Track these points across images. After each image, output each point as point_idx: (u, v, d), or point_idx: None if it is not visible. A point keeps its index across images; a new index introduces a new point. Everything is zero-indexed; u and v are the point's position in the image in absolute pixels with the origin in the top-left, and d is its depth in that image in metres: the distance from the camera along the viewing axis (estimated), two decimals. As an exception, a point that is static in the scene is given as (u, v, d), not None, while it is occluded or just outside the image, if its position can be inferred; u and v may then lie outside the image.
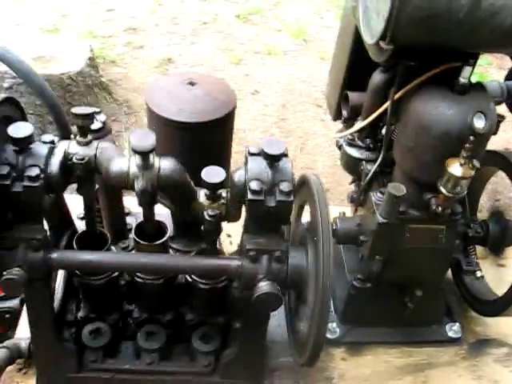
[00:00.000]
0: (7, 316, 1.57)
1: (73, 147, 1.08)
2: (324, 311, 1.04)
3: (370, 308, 1.54)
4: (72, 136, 1.14)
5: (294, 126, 3.11)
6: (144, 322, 1.36)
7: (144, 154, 1.02)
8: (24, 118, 1.14)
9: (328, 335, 1.54)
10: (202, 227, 1.12)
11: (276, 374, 1.47)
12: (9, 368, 1.39)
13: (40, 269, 1.09)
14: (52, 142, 1.10)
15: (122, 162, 1.06)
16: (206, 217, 1.09)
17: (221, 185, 1.08)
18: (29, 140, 1.05)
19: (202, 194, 1.11)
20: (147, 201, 1.09)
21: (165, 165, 1.06)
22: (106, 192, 1.42)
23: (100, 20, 3.89)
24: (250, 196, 1.05)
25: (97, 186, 1.25)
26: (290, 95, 3.36)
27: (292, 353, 1.27)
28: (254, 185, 1.06)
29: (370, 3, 1.18)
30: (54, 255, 1.10)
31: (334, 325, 1.56)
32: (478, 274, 1.50)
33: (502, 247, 1.52)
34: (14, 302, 1.57)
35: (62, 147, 1.09)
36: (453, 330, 1.60)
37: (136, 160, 1.04)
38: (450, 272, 1.64)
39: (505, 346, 1.61)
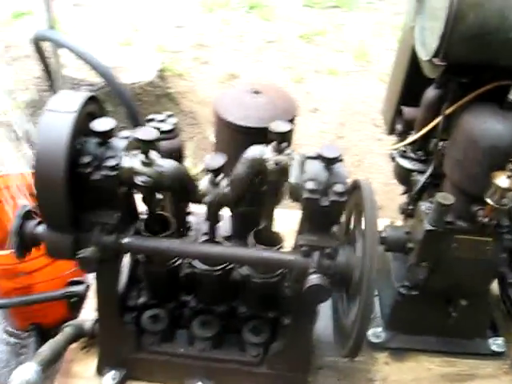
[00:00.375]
0: (74, 299, 1.70)
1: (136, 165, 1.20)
2: (368, 305, 1.11)
3: (415, 315, 1.58)
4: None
5: (351, 144, 3.20)
6: (199, 312, 1.46)
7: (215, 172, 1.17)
8: (104, 115, 1.27)
9: (373, 339, 1.60)
10: (265, 186, 1.22)
11: (321, 371, 1.54)
12: (73, 345, 1.52)
13: (111, 250, 1.21)
14: (127, 137, 1.22)
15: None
16: (270, 167, 1.18)
17: (288, 135, 1.19)
18: (109, 134, 1.17)
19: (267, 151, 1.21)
20: (214, 211, 1.23)
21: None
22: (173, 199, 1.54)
23: (170, 36, 4.10)
24: (305, 195, 1.14)
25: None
26: (349, 114, 3.45)
27: (337, 347, 1.34)
28: (310, 184, 1.14)
29: (426, 23, 1.27)
30: (125, 240, 1.22)
31: (380, 329, 1.61)
32: (523, 285, 1.53)
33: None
34: (79, 288, 1.71)
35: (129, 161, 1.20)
36: (496, 343, 1.61)
37: (208, 177, 1.19)
38: (497, 287, 1.68)
39: None
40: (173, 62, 3.72)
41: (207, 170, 1.17)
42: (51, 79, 1.77)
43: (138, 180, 1.18)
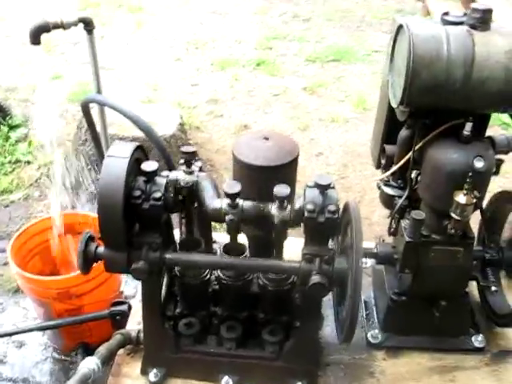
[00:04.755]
0: (118, 318, 2.00)
1: (181, 175, 1.55)
2: (355, 301, 1.40)
3: (406, 318, 1.86)
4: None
5: (354, 183, 3.53)
6: (226, 319, 1.77)
7: (233, 196, 1.49)
8: (148, 159, 1.62)
9: (372, 340, 1.88)
10: (273, 234, 1.54)
11: (328, 368, 1.82)
12: (120, 351, 1.81)
13: (157, 264, 1.53)
14: (168, 176, 1.58)
15: (218, 202, 1.53)
16: (276, 221, 1.50)
17: (288, 198, 1.49)
18: (154, 173, 1.53)
19: (273, 208, 1.52)
20: (233, 228, 1.55)
21: (246, 205, 1.53)
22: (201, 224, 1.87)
23: (186, 93, 4.52)
24: (306, 214, 1.48)
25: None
26: (351, 157, 3.79)
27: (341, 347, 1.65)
28: (309, 206, 1.48)
29: (395, 78, 1.62)
30: (168, 255, 1.55)
31: (377, 331, 1.89)
32: (493, 288, 1.83)
33: (517, 271, 1.85)
34: (123, 307, 2.01)
35: (175, 174, 1.56)
36: (478, 340, 1.86)
37: (227, 201, 1.51)
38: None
39: None
40: (190, 116, 4.10)
41: (226, 195, 1.50)
42: (96, 137, 2.13)
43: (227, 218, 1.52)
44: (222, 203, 1.53)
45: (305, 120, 4.21)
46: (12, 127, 3.95)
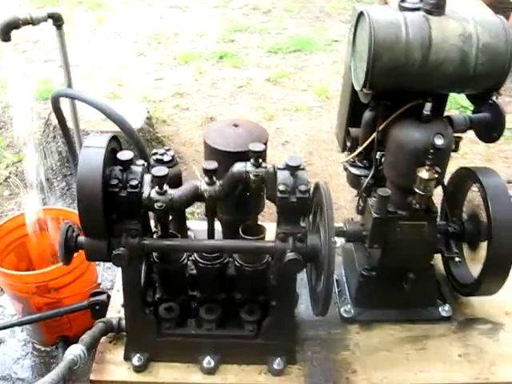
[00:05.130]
0: (97, 308, 2.03)
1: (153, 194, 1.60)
2: (330, 275, 1.48)
3: (376, 292, 1.95)
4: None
5: (320, 169, 3.62)
6: (204, 301, 1.83)
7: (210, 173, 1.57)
8: (122, 149, 1.67)
9: (345, 315, 1.96)
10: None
11: (305, 342, 1.89)
12: (102, 339, 1.85)
13: (137, 250, 1.58)
14: (143, 165, 1.63)
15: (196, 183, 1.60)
16: (252, 177, 1.57)
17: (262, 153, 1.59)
18: (130, 162, 1.57)
19: (248, 165, 1.60)
20: (211, 205, 1.62)
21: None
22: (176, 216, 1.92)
23: (151, 87, 4.54)
24: (279, 194, 1.55)
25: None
26: (316, 144, 3.88)
27: (312, 310, 1.73)
28: (281, 187, 1.55)
29: (357, 63, 1.70)
30: (146, 241, 1.60)
31: (349, 306, 1.97)
32: (456, 259, 1.93)
33: (477, 243, 1.95)
34: (102, 297, 2.03)
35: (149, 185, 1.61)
36: (444, 310, 1.97)
37: (205, 179, 1.58)
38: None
39: (489, 323, 1.98)
40: (157, 110, 4.12)
41: (205, 171, 1.58)
42: (66, 132, 2.17)
43: (156, 205, 1.58)
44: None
45: (270, 110, 4.28)
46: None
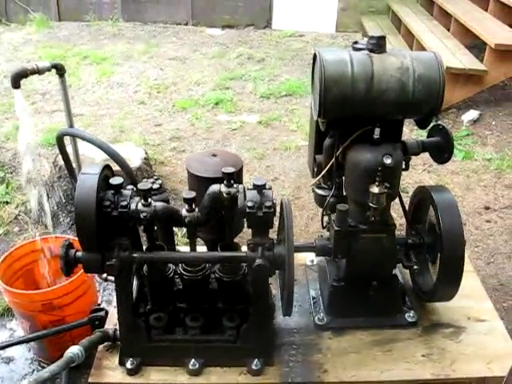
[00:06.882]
0: (97, 323, 2.25)
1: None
2: (290, 279, 1.71)
3: (346, 301, 2.14)
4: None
5: (307, 203, 3.86)
6: (190, 311, 2.06)
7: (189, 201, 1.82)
8: (113, 176, 1.93)
9: (318, 322, 2.14)
10: (223, 212, 1.85)
11: (282, 347, 2.07)
12: (100, 347, 2.06)
13: (127, 261, 1.83)
14: (132, 189, 1.89)
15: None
16: (225, 195, 1.81)
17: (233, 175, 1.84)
18: (120, 186, 1.83)
19: (222, 187, 1.83)
20: (191, 230, 1.88)
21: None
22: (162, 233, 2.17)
23: (151, 133, 4.86)
24: (247, 210, 1.80)
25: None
26: (304, 180, 4.12)
27: (282, 312, 1.94)
28: (249, 203, 1.80)
29: (314, 95, 1.97)
30: (136, 254, 1.84)
31: (322, 315, 2.16)
32: (415, 267, 2.13)
33: (436, 254, 2.16)
34: (101, 313, 2.26)
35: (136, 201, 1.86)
36: (410, 316, 2.14)
37: (185, 207, 1.83)
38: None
39: (452, 327, 2.15)
40: (155, 153, 4.41)
41: (184, 200, 1.83)
42: (70, 167, 2.44)
43: (142, 215, 1.84)
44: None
45: (261, 150, 4.57)
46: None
